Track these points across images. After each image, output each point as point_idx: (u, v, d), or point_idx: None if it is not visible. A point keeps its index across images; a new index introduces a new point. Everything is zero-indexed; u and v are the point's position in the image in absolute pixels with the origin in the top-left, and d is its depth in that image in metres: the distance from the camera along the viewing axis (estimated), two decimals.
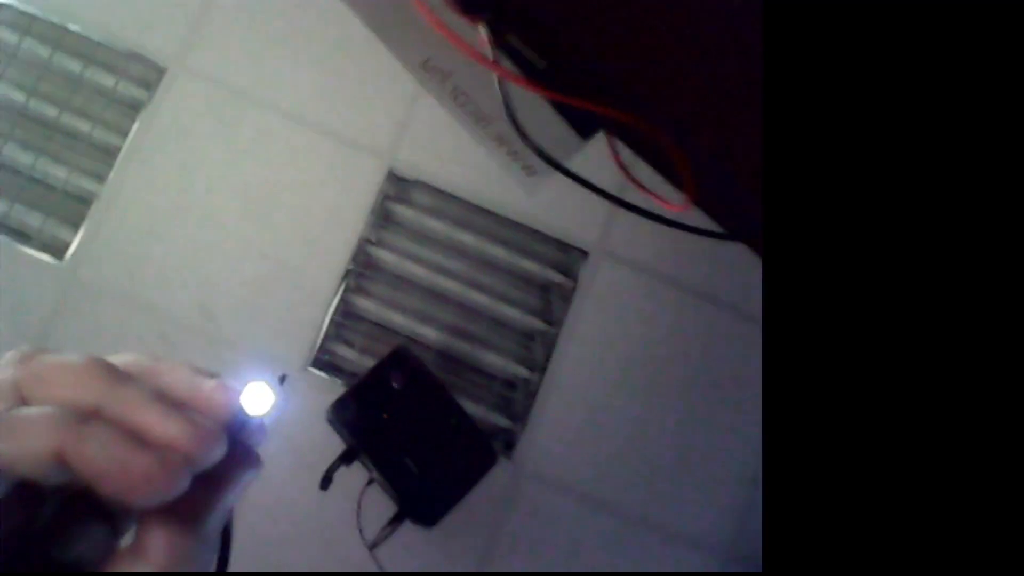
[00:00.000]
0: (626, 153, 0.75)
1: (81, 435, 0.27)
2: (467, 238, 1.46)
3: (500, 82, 0.62)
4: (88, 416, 0.28)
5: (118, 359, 0.32)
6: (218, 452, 0.30)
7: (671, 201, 0.68)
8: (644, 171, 0.76)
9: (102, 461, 0.27)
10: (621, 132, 0.74)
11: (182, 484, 0.28)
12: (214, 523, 0.32)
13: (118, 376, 0.30)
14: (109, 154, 1.47)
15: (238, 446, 0.32)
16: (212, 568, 0.33)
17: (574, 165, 0.70)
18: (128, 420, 0.28)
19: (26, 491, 0.29)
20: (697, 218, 0.70)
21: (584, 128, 0.76)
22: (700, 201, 0.66)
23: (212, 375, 0.33)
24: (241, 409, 0.32)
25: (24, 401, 0.29)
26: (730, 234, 0.75)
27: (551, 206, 1.46)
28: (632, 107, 0.62)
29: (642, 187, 0.73)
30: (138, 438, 0.28)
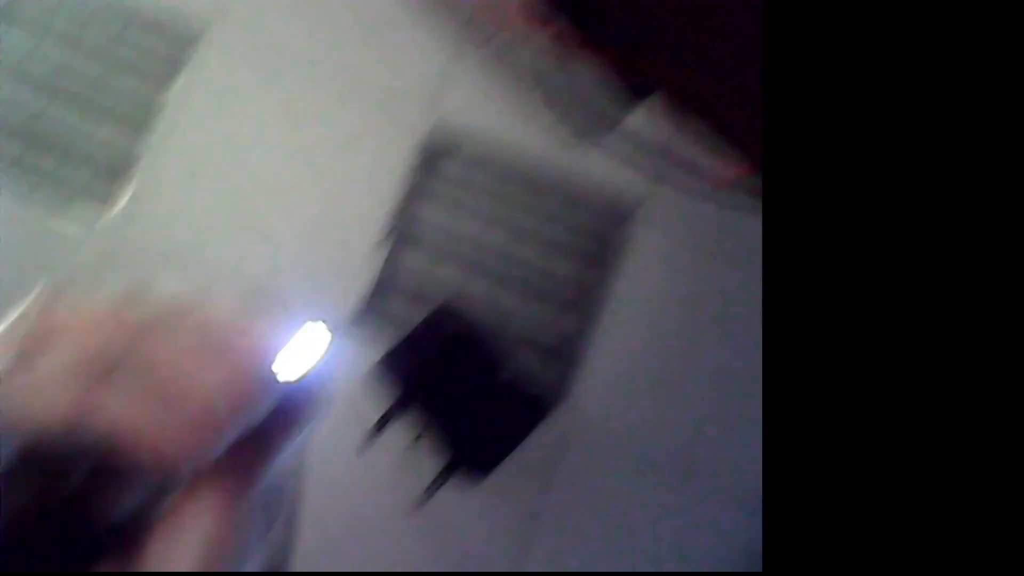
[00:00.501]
0: (678, 119, 0.71)
1: (102, 390, 0.23)
2: (515, 189, 1.43)
3: (550, 42, 0.58)
4: (111, 367, 0.23)
5: (155, 289, 0.28)
6: (267, 405, 0.25)
7: (727, 166, 0.64)
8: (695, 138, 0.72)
9: (126, 421, 0.22)
10: (677, 94, 0.70)
11: (224, 444, 0.24)
12: (277, 472, 0.28)
13: (150, 316, 0.25)
14: (153, 109, 1.47)
15: (297, 391, 0.28)
16: (269, 530, 0.28)
17: (626, 125, 0.66)
18: (162, 369, 0.24)
19: (40, 457, 0.24)
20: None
21: (637, 90, 0.72)
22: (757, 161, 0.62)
23: (269, 299, 0.28)
24: (296, 351, 0.27)
25: (45, 347, 0.24)
26: None
27: (600, 160, 1.42)
28: (690, 68, 0.58)
29: (696, 151, 0.69)
30: (170, 391, 0.23)
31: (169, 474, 0.27)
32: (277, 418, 0.26)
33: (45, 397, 0.23)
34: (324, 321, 0.27)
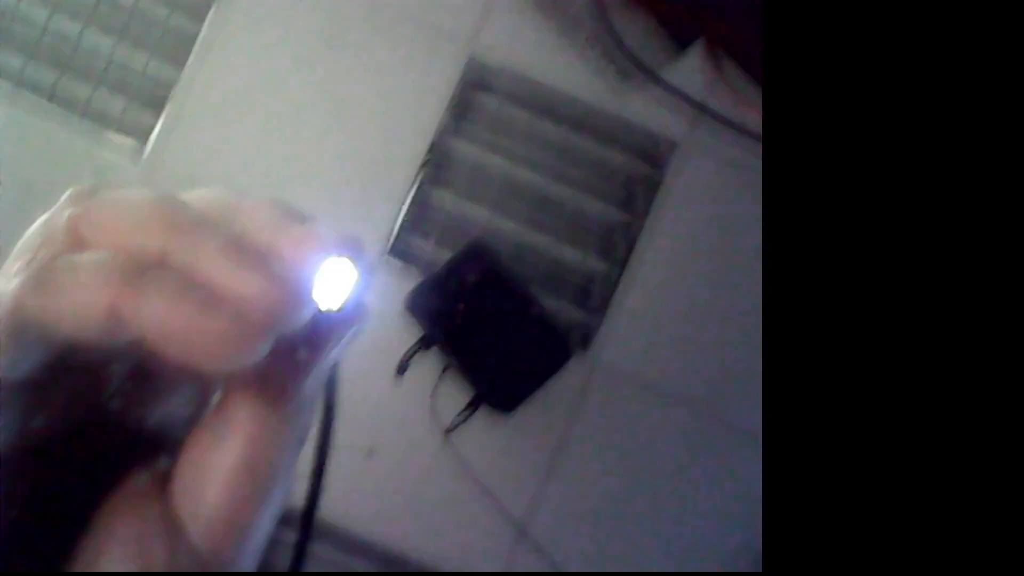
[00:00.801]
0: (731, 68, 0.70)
1: (141, 287, 0.22)
2: (550, 127, 1.42)
3: None
4: (151, 265, 0.23)
5: (193, 196, 0.27)
6: (307, 312, 0.25)
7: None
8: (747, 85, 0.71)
9: (165, 319, 0.22)
10: (722, 43, 0.68)
11: (263, 348, 0.23)
12: (311, 387, 0.27)
13: (189, 218, 0.24)
14: (187, 40, 1.46)
15: (330, 313, 0.27)
16: (302, 444, 0.28)
17: (668, 73, 0.65)
18: (199, 271, 0.23)
19: (77, 358, 0.24)
20: None
21: (681, 36, 0.70)
22: None
23: (304, 218, 0.27)
24: (327, 282, 0.26)
25: (77, 247, 0.24)
26: None
27: (638, 105, 1.40)
28: (731, 18, 0.57)
29: (734, 101, 0.67)
30: (206, 295, 0.23)
31: (205, 379, 0.28)
32: (311, 334, 0.26)
33: (81, 297, 0.22)
34: (350, 258, 0.27)
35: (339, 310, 0.27)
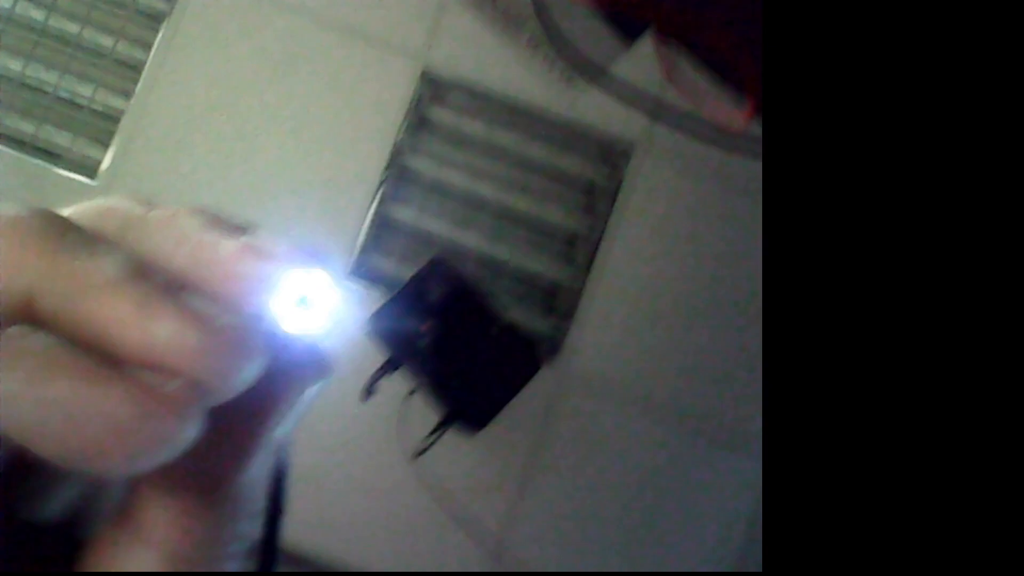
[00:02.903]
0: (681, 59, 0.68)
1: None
2: (506, 139, 1.40)
3: None
4: (12, 316, 0.16)
5: (81, 208, 0.20)
6: (251, 369, 0.17)
7: (725, 109, 0.61)
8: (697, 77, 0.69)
9: (29, 411, 0.15)
10: (674, 34, 0.65)
11: (184, 438, 0.16)
12: (256, 471, 0.20)
13: (72, 238, 0.17)
14: (134, 69, 1.43)
15: (296, 347, 0.20)
16: (252, 536, 0.21)
17: (617, 69, 0.62)
18: (83, 321, 0.16)
19: None
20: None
21: (628, 30, 0.68)
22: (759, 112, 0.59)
23: (240, 229, 0.19)
24: (290, 289, 0.19)
25: None
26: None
27: (593, 105, 1.39)
28: (685, 4, 0.55)
29: (693, 96, 0.65)
30: (99, 355, 0.15)
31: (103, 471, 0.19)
32: (269, 384, 0.18)
33: None
34: (324, 269, 0.20)
35: (302, 333, 0.19)
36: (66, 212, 0.19)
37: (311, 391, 0.20)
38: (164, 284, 0.17)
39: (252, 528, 0.20)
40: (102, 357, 0.15)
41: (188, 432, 0.16)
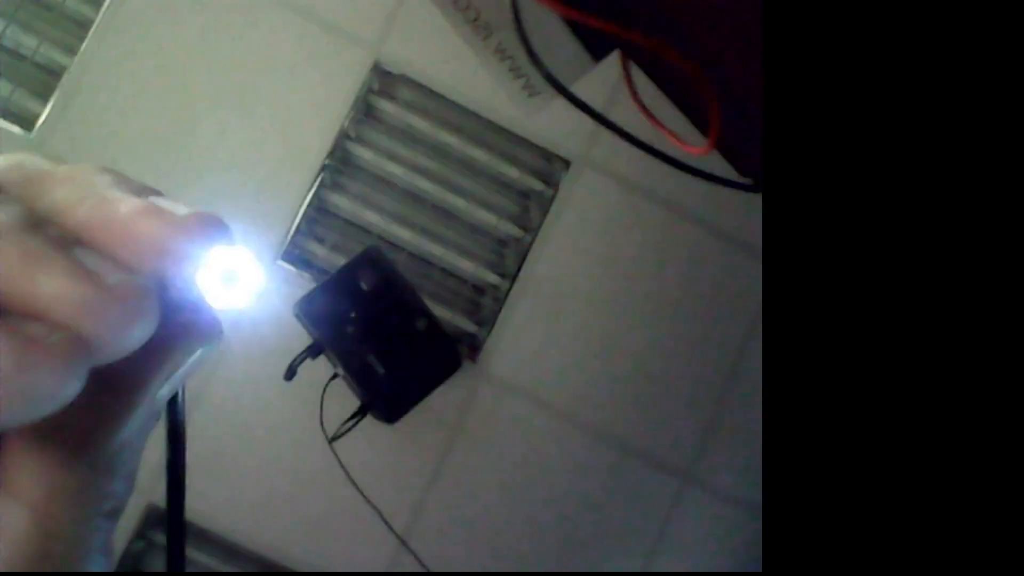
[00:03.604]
0: (643, 84, 0.71)
1: None
2: (450, 139, 1.42)
3: None
4: None
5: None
6: (140, 331, 0.17)
7: (687, 141, 0.64)
8: (658, 103, 0.72)
9: None
10: (640, 58, 0.69)
11: (66, 391, 0.15)
12: (130, 433, 0.19)
13: None
14: (82, 26, 1.41)
15: (178, 310, 0.19)
16: (125, 500, 0.20)
17: (579, 87, 0.66)
18: None
19: None
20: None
21: (596, 49, 0.70)
22: (720, 141, 0.62)
23: (147, 190, 0.19)
24: (188, 252, 0.18)
25: None
26: (748, 184, 0.68)
27: (541, 119, 1.42)
28: (657, 30, 0.58)
29: (656, 122, 0.69)
30: None
31: None
32: (153, 345, 0.18)
33: None
34: (243, 246, 0.21)
35: (199, 296, 0.19)
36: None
37: (197, 355, 0.20)
38: (58, 238, 0.17)
39: (126, 488, 0.20)
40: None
41: (69, 387, 0.15)
